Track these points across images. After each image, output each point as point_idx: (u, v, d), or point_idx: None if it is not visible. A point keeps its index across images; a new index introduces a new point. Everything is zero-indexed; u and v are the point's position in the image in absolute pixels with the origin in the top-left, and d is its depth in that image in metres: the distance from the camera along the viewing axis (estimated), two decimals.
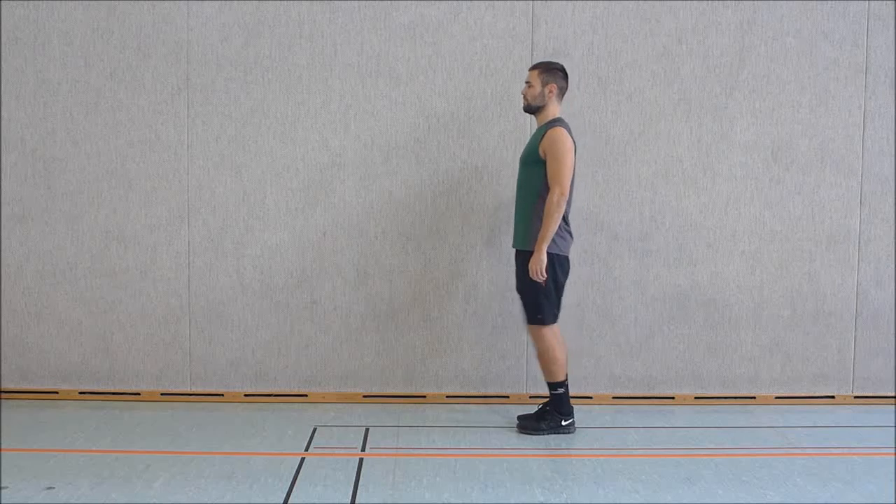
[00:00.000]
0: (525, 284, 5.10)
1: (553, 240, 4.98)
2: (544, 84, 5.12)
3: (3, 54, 5.69)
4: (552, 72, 5.15)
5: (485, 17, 5.72)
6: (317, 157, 5.76)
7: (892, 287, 5.86)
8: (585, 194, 5.78)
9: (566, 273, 5.17)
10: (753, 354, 5.87)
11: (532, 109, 5.18)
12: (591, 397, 5.85)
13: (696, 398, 5.88)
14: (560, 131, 5.01)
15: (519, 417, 5.27)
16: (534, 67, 5.20)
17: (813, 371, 5.89)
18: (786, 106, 5.80)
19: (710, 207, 5.82)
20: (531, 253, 5.01)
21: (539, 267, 4.96)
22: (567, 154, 4.98)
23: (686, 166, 5.80)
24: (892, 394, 5.90)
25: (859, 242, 5.85)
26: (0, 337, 5.80)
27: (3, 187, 5.75)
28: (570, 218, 5.16)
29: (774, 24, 5.76)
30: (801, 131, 5.81)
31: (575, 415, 5.20)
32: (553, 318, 5.13)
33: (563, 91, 5.18)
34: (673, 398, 5.88)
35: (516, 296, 5.72)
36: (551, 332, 5.12)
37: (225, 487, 4.15)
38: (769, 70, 5.77)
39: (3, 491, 4.04)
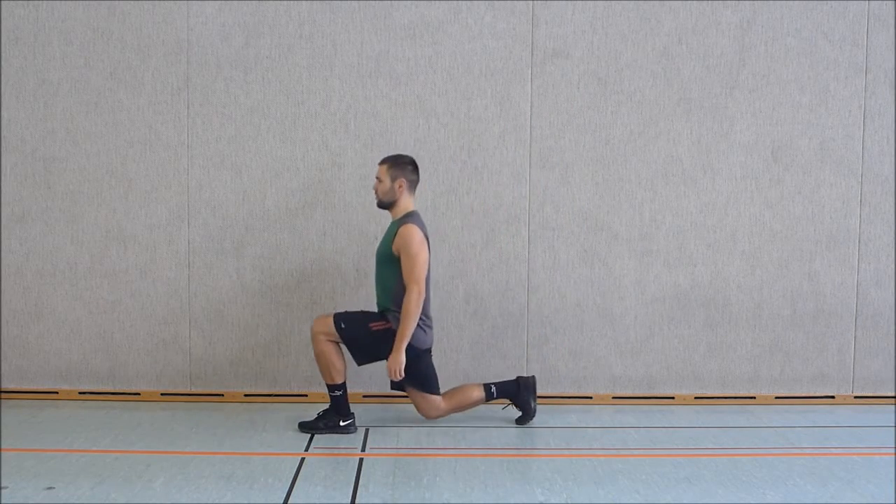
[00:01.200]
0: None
1: (413, 335, 4.98)
2: (393, 179, 5.09)
3: (3, 54, 5.69)
4: (400, 166, 5.12)
5: (485, 17, 5.72)
6: (317, 157, 5.76)
7: (892, 287, 5.86)
8: (585, 194, 5.78)
9: (428, 362, 5.19)
10: (753, 354, 5.87)
11: (384, 205, 5.17)
12: (591, 397, 5.85)
13: (696, 398, 5.88)
14: (411, 228, 4.99)
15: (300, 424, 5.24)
16: (382, 162, 5.16)
17: (813, 371, 5.89)
18: (786, 106, 5.80)
19: (710, 207, 5.82)
20: (391, 329, 5.02)
21: (398, 367, 4.97)
22: (420, 251, 4.97)
23: (686, 166, 5.80)
24: (892, 394, 5.89)
25: (859, 242, 5.85)
26: (0, 337, 5.80)
27: (3, 187, 5.75)
28: (430, 310, 5.15)
29: (774, 24, 5.76)
30: (801, 131, 5.81)
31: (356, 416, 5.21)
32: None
33: (413, 184, 5.16)
34: (673, 398, 5.88)
35: (516, 296, 5.76)
36: (332, 342, 5.06)
37: (225, 487, 4.14)
38: (769, 70, 5.77)
39: (3, 491, 4.04)
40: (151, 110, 5.73)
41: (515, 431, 5.22)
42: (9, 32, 5.69)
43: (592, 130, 5.77)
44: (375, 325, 5.09)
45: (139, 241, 5.77)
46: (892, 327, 5.87)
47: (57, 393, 5.82)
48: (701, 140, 5.80)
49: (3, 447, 4.70)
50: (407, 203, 5.15)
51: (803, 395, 5.90)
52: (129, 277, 5.78)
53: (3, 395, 5.77)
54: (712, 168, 5.81)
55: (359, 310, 5.33)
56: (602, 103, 5.77)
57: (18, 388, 5.83)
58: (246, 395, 5.83)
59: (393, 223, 5.16)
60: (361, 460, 4.62)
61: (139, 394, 5.83)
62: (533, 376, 5.36)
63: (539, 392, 5.63)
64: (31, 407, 5.64)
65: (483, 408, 5.46)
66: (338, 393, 5.10)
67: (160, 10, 5.68)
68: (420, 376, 5.13)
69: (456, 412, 5.30)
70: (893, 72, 5.78)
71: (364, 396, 5.80)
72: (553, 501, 4.02)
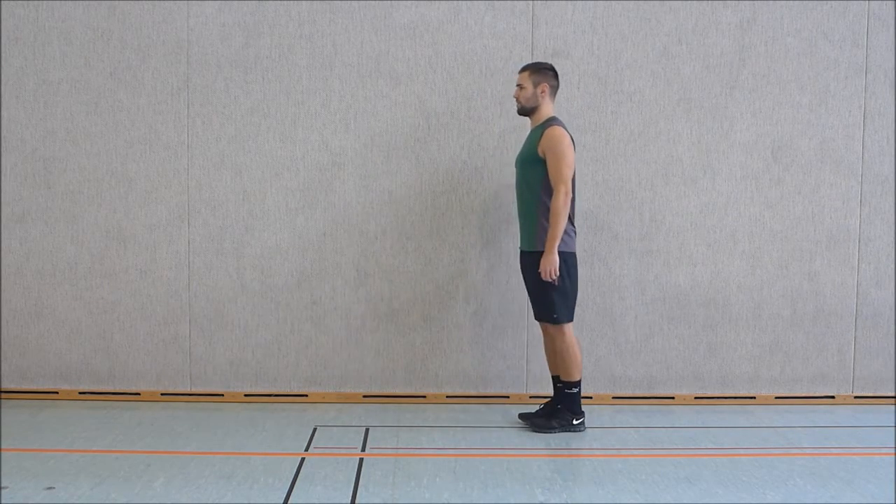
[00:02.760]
0: (538, 285, 5.09)
1: (561, 238, 4.99)
2: (536, 84, 5.12)
3: (3, 54, 5.69)
4: (542, 72, 5.15)
5: (485, 18, 5.72)
6: (317, 157, 5.76)
7: (892, 287, 5.86)
8: (585, 194, 5.78)
9: (576, 269, 5.17)
10: (753, 354, 5.88)
11: (526, 111, 5.18)
12: (591, 397, 5.84)
13: (696, 398, 5.88)
14: (558, 129, 5.02)
15: (523, 416, 5.27)
16: (523, 69, 5.20)
17: (813, 371, 5.89)
18: (786, 106, 5.80)
19: (710, 207, 5.82)
20: (540, 253, 5.01)
21: (552, 267, 4.96)
22: (567, 152, 4.99)
23: (686, 166, 5.80)
24: (892, 394, 5.90)
25: (859, 242, 5.86)
26: (0, 337, 5.80)
27: (3, 187, 5.75)
28: (574, 214, 5.17)
29: (774, 24, 5.76)
30: (801, 131, 5.81)
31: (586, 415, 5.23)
32: (569, 317, 5.14)
33: (554, 90, 5.19)
34: (673, 398, 5.88)
35: (516, 295, 5.73)
36: (571, 331, 5.13)
37: (225, 487, 4.14)
38: (769, 70, 5.77)
39: (3, 491, 4.04)
40: (151, 110, 5.73)
41: (515, 431, 5.22)
42: (9, 32, 5.69)
43: (592, 130, 5.77)
44: (544, 269, 4.96)
45: (139, 241, 5.77)
46: (892, 327, 5.88)
47: (57, 393, 5.82)
48: (701, 140, 5.80)
49: (3, 447, 4.70)
50: (548, 108, 5.15)
51: (803, 395, 5.90)
52: (129, 277, 5.78)
53: (3, 395, 5.77)
54: (712, 168, 5.81)
55: (530, 292, 5.21)
56: (602, 103, 5.77)
57: (18, 388, 5.83)
58: (246, 395, 5.83)
59: (536, 127, 5.13)
60: (361, 460, 4.62)
61: (139, 394, 5.83)
62: (584, 428, 5.19)
63: (539, 392, 5.65)
64: (31, 407, 5.64)
65: (483, 408, 5.45)
66: (574, 390, 5.12)
67: (160, 10, 5.68)
68: (560, 288, 5.01)
69: (562, 354, 5.11)
70: (893, 72, 5.79)
71: (364, 396, 5.81)
72: (553, 501, 4.02)
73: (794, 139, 5.81)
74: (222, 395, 5.83)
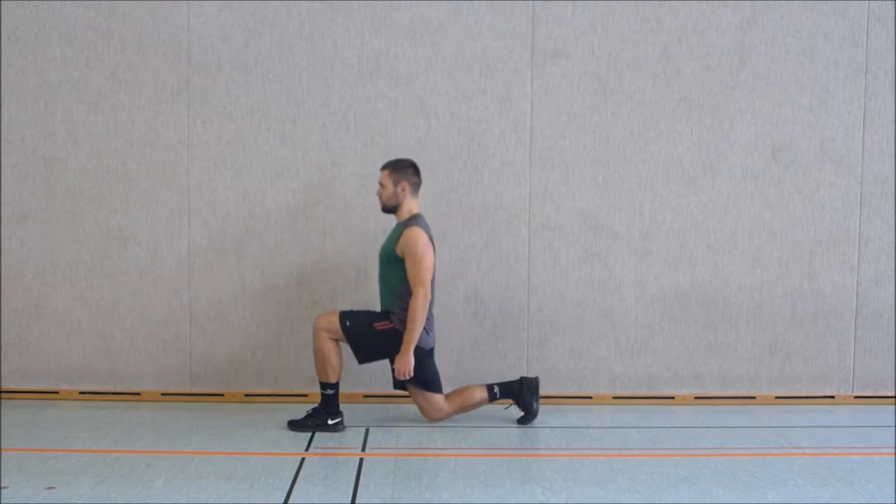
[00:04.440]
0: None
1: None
2: (395, 183, 5.14)
3: (3, 54, 5.69)
4: (402, 170, 5.17)
5: (485, 17, 5.72)
6: (317, 157, 5.76)
7: (892, 287, 5.86)
8: (585, 194, 5.78)
9: (432, 363, 5.23)
10: (753, 354, 5.88)
11: (388, 209, 5.21)
12: (591, 397, 5.85)
13: (696, 398, 5.88)
14: (415, 231, 5.03)
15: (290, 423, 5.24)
16: (383, 168, 5.20)
17: (813, 371, 5.89)
18: (786, 106, 5.80)
19: (710, 207, 5.82)
20: (396, 329, 5.06)
21: (407, 368, 5.03)
22: (425, 253, 5.01)
23: (686, 166, 5.81)
24: (892, 394, 5.90)
25: (859, 242, 5.86)
26: (0, 337, 5.80)
27: (3, 187, 5.75)
28: (434, 311, 5.21)
29: (774, 24, 5.76)
30: (801, 131, 5.81)
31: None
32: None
33: (416, 186, 5.21)
34: (673, 398, 5.88)
35: (516, 295, 5.76)
36: (333, 340, 5.09)
37: (225, 487, 4.14)
38: (769, 70, 5.77)
39: (3, 491, 4.04)
40: (152, 110, 5.73)
41: (515, 431, 5.22)
42: (9, 32, 5.69)
43: (592, 130, 5.78)
44: (380, 325, 5.11)
45: (139, 241, 5.77)
46: (892, 327, 5.88)
47: (57, 393, 5.83)
48: (701, 140, 5.80)
49: (3, 447, 4.70)
50: (411, 206, 5.19)
51: (803, 395, 5.90)
52: (130, 277, 5.78)
53: (4, 395, 5.78)
54: (712, 168, 5.81)
55: (363, 309, 5.35)
56: (602, 103, 5.77)
57: (19, 387, 5.83)
58: (246, 395, 5.83)
59: (398, 225, 5.18)
60: (361, 460, 4.62)
61: (139, 394, 5.83)
62: (536, 377, 5.37)
63: (543, 392, 5.64)
64: (32, 407, 5.64)
65: (484, 408, 5.46)
66: (330, 391, 5.12)
67: (160, 10, 5.69)
68: (423, 377, 5.16)
69: (459, 413, 5.32)
70: (893, 72, 5.79)
71: (364, 396, 5.81)
72: (553, 501, 4.02)
73: (794, 139, 5.81)
74: (222, 395, 5.84)
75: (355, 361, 5.19)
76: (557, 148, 5.78)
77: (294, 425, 5.15)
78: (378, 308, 5.31)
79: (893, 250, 5.85)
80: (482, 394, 5.30)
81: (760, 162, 5.81)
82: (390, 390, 5.76)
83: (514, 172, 5.78)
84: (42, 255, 5.78)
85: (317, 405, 5.18)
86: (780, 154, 5.82)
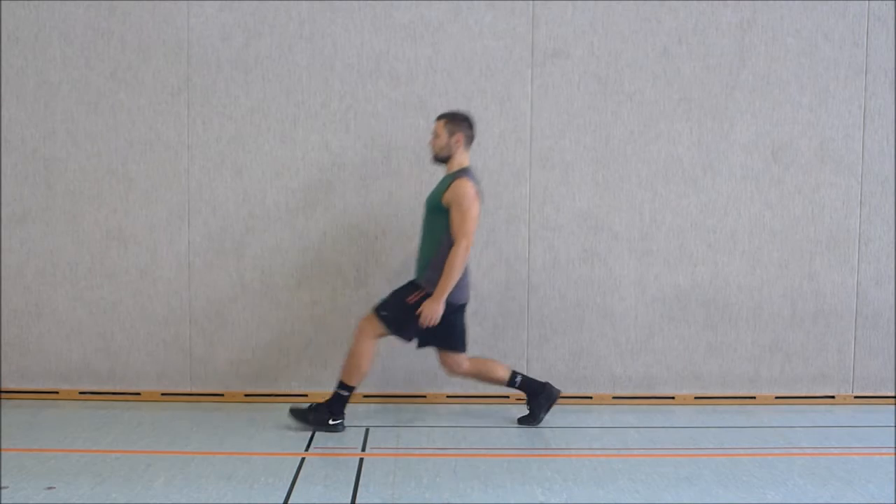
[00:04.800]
0: (402, 312, 5.10)
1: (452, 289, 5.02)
2: (451, 134, 5.12)
3: (3, 54, 5.69)
4: (458, 122, 5.16)
5: (485, 17, 5.72)
6: (317, 157, 5.76)
7: (892, 287, 5.86)
8: (585, 194, 5.78)
9: (462, 318, 5.23)
10: (753, 354, 5.88)
11: (440, 160, 5.19)
12: (591, 397, 5.85)
13: (696, 398, 5.88)
14: (465, 183, 5.02)
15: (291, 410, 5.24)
16: (439, 118, 5.20)
17: (813, 371, 5.89)
18: (786, 106, 5.80)
19: (710, 207, 5.82)
20: (427, 294, 5.03)
21: (435, 315, 4.99)
22: (472, 206, 5.00)
23: (686, 166, 5.81)
24: (892, 394, 5.90)
25: (859, 242, 5.86)
26: (0, 337, 5.80)
27: (3, 187, 5.75)
28: (470, 267, 5.22)
29: (774, 24, 5.76)
30: (801, 131, 5.81)
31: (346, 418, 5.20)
32: (410, 342, 5.22)
33: (469, 139, 5.19)
34: (673, 398, 5.88)
35: (516, 295, 5.76)
36: (374, 342, 5.11)
37: (225, 487, 4.15)
38: (769, 70, 5.78)
39: (3, 491, 4.04)
40: (152, 110, 5.73)
41: (515, 431, 5.22)
42: (9, 32, 5.69)
43: (592, 130, 5.78)
44: (412, 298, 5.07)
45: (139, 241, 5.77)
46: (892, 327, 5.88)
47: (57, 393, 5.83)
48: (701, 140, 5.80)
49: (3, 447, 4.70)
50: (462, 158, 5.15)
51: (803, 395, 5.90)
52: (130, 277, 5.78)
53: (4, 395, 5.77)
54: (712, 168, 5.81)
55: (391, 293, 5.28)
56: (602, 103, 5.77)
57: (19, 388, 5.83)
58: (246, 395, 5.83)
59: (447, 176, 5.14)
60: (361, 460, 4.62)
61: (140, 394, 5.83)
62: (559, 391, 5.34)
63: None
64: (32, 407, 5.65)
65: (483, 408, 5.46)
66: (344, 393, 5.11)
67: (160, 10, 5.69)
68: (449, 332, 5.14)
69: (476, 380, 5.34)
70: (893, 72, 5.79)
71: (364, 396, 5.80)
72: (553, 501, 4.02)
73: (794, 139, 5.81)
74: (222, 395, 5.84)
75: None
76: (557, 148, 5.78)
77: (295, 414, 5.15)
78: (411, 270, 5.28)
79: (893, 250, 5.85)
80: (504, 373, 5.30)
81: (760, 162, 5.81)
82: (390, 390, 5.77)
83: (514, 172, 5.78)
84: (42, 255, 5.77)
85: (321, 402, 5.17)
86: (780, 154, 5.82)
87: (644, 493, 4.13)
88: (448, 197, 5.02)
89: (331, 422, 5.11)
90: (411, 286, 5.16)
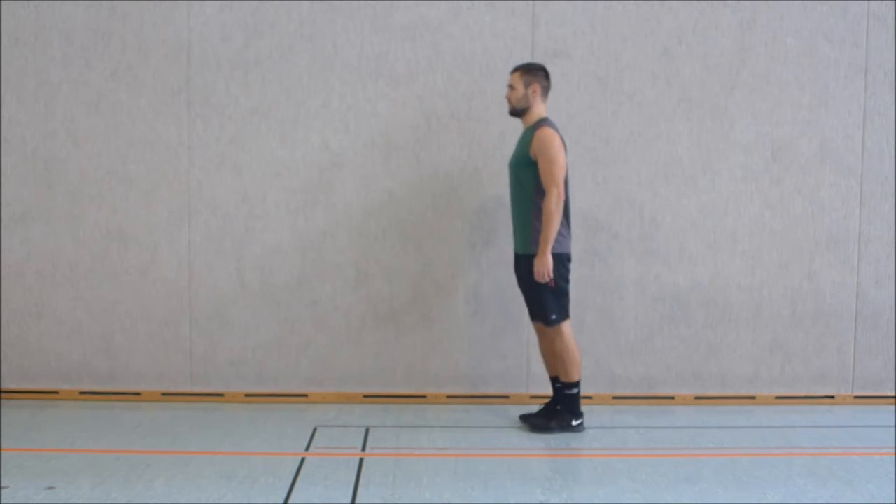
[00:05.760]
0: (532, 288, 5.08)
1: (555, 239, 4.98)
2: (527, 85, 5.09)
3: (3, 54, 5.69)
4: (533, 72, 5.13)
5: (485, 18, 5.72)
6: (317, 157, 5.76)
7: (892, 287, 5.86)
8: (585, 194, 5.78)
9: (568, 270, 5.16)
10: (753, 354, 5.88)
11: (517, 112, 5.15)
12: (591, 397, 5.84)
13: (696, 398, 5.88)
14: (548, 131, 4.99)
15: (523, 417, 5.26)
16: (515, 70, 5.17)
17: (813, 371, 5.89)
18: (786, 106, 5.80)
19: (710, 207, 5.82)
20: (533, 257, 5.00)
21: (546, 269, 4.95)
22: (558, 153, 4.97)
23: (686, 166, 5.81)
24: (892, 394, 5.90)
25: (859, 242, 5.86)
26: (0, 337, 5.80)
27: (3, 187, 5.75)
28: (570, 214, 5.15)
29: (774, 24, 5.76)
30: (801, 131, 5.81)
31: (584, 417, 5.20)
32: (566, 315, 5.12)
33: (546, 90, 5.15)
34: (673, 398, 5.88)
35: (516, 295, 5.72)
36: (569, 331, 5.11)
37: (225, 487, 4.14)
38: (769, 70, 5.78)
39: (3, 491, 4.04)
40: (152, 111, 5.73)
41: (515, 431, 5.22)
42: (9, 33, 5.69)
43: (592, 130, 5.78)
44: (552, 280, 4.96)
45: (140, 242, 5.77)
46: (892, 327, 5.88)
47: (57, 393, 5.83)
48: (701, 140, 5.80)
49: (3, 447, 4.70)
50: (540, 109, 5.12)
51: (803, 395, 5.90)
52: (130, 277, 5.78)
53: (4, 395, 5.78)
54: (712, 168, 5.81)
55: (526, 295, 5.18)
56: (602, 103, 5.77)
57: (19, 387, 5.83)
58: (246, 395, 5.83)
59: (527, 129, 5.10)
60: (361, 460, 4.62)
61: (140, 394, 5.83)
62: (581, 426, 5.16)
63: (539, 392, 5.65)
64: (32, 407, 5.65)
65: (483, 408, 5.46)
66: (575, 391, 5.10)
67: (160, 11, 5.69)
68: (555, 289, 5.01)
69: (562, 355, 5.09)
70: (893, 72, 5.79)
71: (364, 396, 5.81)
72: (553, 501, 4.02)
73: (794, 139, 5.81)
74: (223, 395, 5.84)
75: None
76: None
77: (535, 426, 5.10)
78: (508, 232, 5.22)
79: (893, 250, 5.85)
80: (577, 375, 5.13)
81: (760, 162, 5.81)
82: (390, 390, 5.77)
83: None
84: (42, 255, 5.78)
85: (555, 406, 5.13)
86: (780, 154, 5.82)
87: (644, 493, 4.13)
88: (535, 147, 4.96)
89: (574, 423, 5.11)
90: (528, 273, 5.02)
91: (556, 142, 4.98)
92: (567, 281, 5.14)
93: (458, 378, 5.79)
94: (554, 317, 5.07)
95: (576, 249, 5.78)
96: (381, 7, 5.71)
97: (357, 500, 4.01)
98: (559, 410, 5.16)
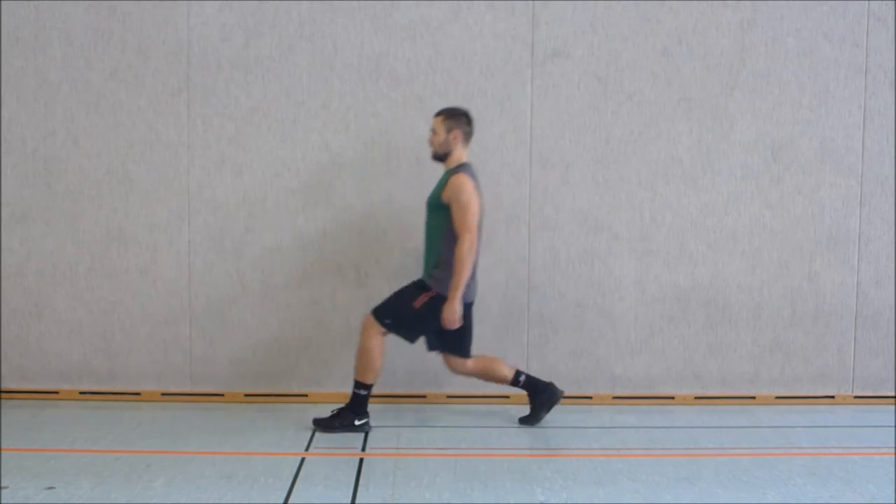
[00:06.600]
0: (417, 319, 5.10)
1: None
2: (448, 130, 5.12)
3: (3, 54, 5.69)
4: (456, 118, 5.15)
5: (485, 18, 5.72)
6: (317, 157, 5.77)
7: (892, 287, 5.86)
8: (585, 194, 5.78)
9: (470, 319, 5.21)
10: (753, 354, 5.88)
11: (439, 157, 5.19)
12: (591, 397, 5.85)
13: (696, 398, 5.88)
14: (462, 177, 5.01)
15: (316, 421, 5.19)
16: (437, 114, 5.19)
17: (813, 371, 5.89)
18: (786, 106, 5.80)
19: (710, 207, 5.82)
20: (436, 294, 5.01)
21: (454, 316, 4.97)
22: (471, 199, 4.99)
23: (686, 166, 5.81)
24: (892, 394, 5.90)
25: (859, 242, 5.86)
26: (0, 337, 5.80)
27: (3, 187, 5.75)
28: (478, 263, 5.18)
29: (774, 24, 5.76)
30: (801, 131, 5.81)
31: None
32: (392, 328, 5.12)
33: (468, 136, 5.19)
34: (673, 398, 5.88)
35: (516, 295, 5.76)
36: (378, 337, 5.06)
37: (225, 487, 4.15)
38: (769, 70, 5.78)
39: (3, 491, 4.04)
40: (152, 110, 5.73)
41: (515, 431, 5.22)
42: (9, 32, 5.69)
43: (592, 130, 5.78)
44: (419, 302, 5.05)
45: (140, 242, 5.77)
46: (892, 327, 5.88)
47: (57, 393, 5.83)
48: (701, 140, 5.80)
49: (3, 447, 4.70)
50: (460, 154, 5.16)
51: (803, 395, 5.90)
52: (130, 277, 5.78)
53: (4, 395, 5.78)
54: (712, 168, 5.81)
55: (393, 293, 5.24)
56: (602, 103, 5.77)
57: (19, 388, 5.83)
58: (246, 395, 5.83)
59: (446, 172, 5.14)
60: (361, 460, 4.62)
61: (140, 394, 5.83)
62: (562, 392, 5.33)
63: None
64: (32, 407, 5.65)
65: (483, 408, 5.46)
66: (363, 392, 5.10)
67: (160, 11, 5.69)
68: (458, 332, 5.10)
69: (479, 378, 5.32)
70: (893, 72, 5.79)
71: None
72: (553, 501, 4.02)
73: (794, 139, 5.81)
74: (223, 395, 5.84)
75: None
76: (557, 148, 5.78)
77: (320, 424, 5.12)
78: (420, 271, 5.25)
79: (893, 250, 5.85)
80: (508, 372, 5.29)
81: (760, 162, 5.81)
82: (390, 390, 5.76)
83: (514, 172, 5.78)
84: (42, 255, 5.78)
85: (343, 405, 5.16)
86: (780, 154, 5.82)
87: (644, 493, 4.13)
88: (447, 193, 5.02)
89: (357, 422, 5.10)
90: (415, 287, 5.14)
91: (469, 188, 5.00)
92: (470, 325, 5.20)
93: (457, 378, 5.79)
94: (388, 321, 5.04)
95: (576, 249, 5.80)
96: (381, 7, 5.71)
97: (357, 500, 4.01)
98: (343, 409, 5.13)
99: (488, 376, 5.33)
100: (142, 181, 5.75)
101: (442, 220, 5.05)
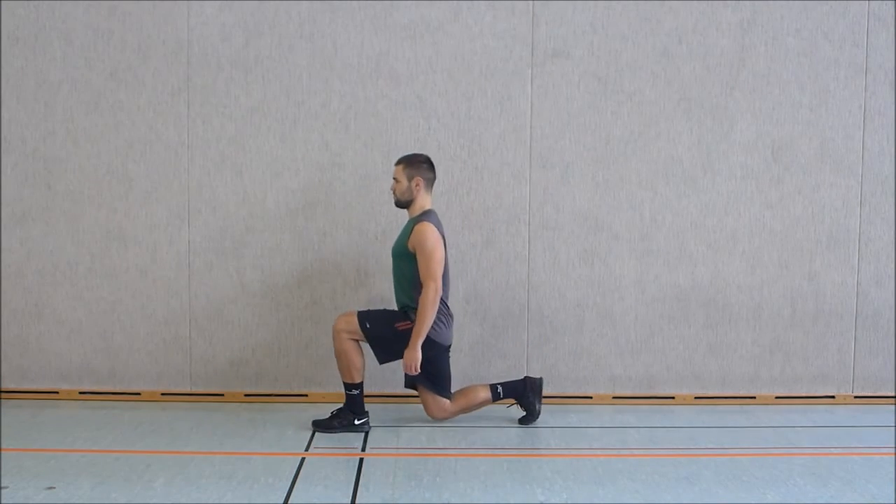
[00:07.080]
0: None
1: (433, 328, 5.01)
2: (410, 178, 5.13)
3: (3, 54, 5.69)
4: (416, 165, 5.16)
5: (485, 17, 5.72)
6: (317, 157, 5.76)
7: (892, 287, 5.86)
8: (585, 194, 5.78)
9: (447, 358, 5.22)
10: (753, 354, 5.88)
11: (402, 204, 5.20)
12: (591, 397, 5.85)
13: (696, 398, 5.88)
14: (426, 226, 5.03)
15: (316, 423, 5.21)
16: (398, 163, 5.21)
17: (813, 371, 5.89)
18: (786, 106, 5.80)
19: (710, 207, 5.82)
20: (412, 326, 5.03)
21: (414, 363, 4.99)
22: (436, 248, 5.00)
23: (686, 166, 5.81)
24: (892, 394, 5.90)
25: (859, 242, 5.86)
26: (0, 337, 5.80)
27: (3, 187, 5.75)
28: (449, 305, 5.20)
29: (774, 24, 5.76)
30: (801, 131, 5.81)
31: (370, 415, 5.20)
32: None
33: (430, 182, 5.20)
34: (673, 398, 5.88)
35: (516, 295, 5.77)
36: (351, 343, 5.06)
37: (225, 487, 4.14)
38: (769, 70, 5.77)
39: (3, 491, 4.04)
40: (152, 110, 5.73)
41: (516, 431, 5.22)
42: (9, 32, 5.69)
43: (592, 130, 5.78)
44: (401, 325, 5.09)
45: (139, 241, 5.77)
46: (892, 327, 5.88)
47: (57, 393, 5.83)
48: (701, 140, 5.80)
49: (3, 447, 4.70)
50: (424, 201, 5.17)
51: (803, 395, 5.90)
52: (130, 277, 5.78)
53: (3, 395, 5.78)
54: (712, 168, 5.81)
55: (381, 308, 5.35)
56: (602, 103, 5.77)
57: (19, 388, 5.83)
58: (246, 395, 5.83)
59: (410, 220, 5.17)
60: (361, 460, 4.62)
61: (139, 394, 5.83)
62: (540, 378, 5.36)
63: (544, 392, 5.63)
64: (32, 407, 5.64)
65: (485, 408, 5.45)
66: (354, 392, 5.11)
67: (160, 10, 5.69)
68: (434, 374, 5.14)
69: (463, 413, 5.31)
70: (893, 72, 5.78)
71: (364, 396, 5.79)
72: (553, 501, 4.02)
73: (794, 139, 5.81)
74: (222, 395, 5.84)
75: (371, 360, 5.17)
76: (557, 148, 5.78)
77: (319, 426, 5.12)
78: (393, 305, 5.29)
79: (893, 250, 5.85)
80: (486, 394, 5.30)
81: (760, 162, 5.81)
82: (390, 390, 5.76)
83: (514, 172, 5.78)
84: (42, 255, 5.78)
85: (341, 406, 5.17)
86: (780, 154, 5.82)
87: (644, 493, 4.13)
88: (412, 241, 5.04)
89: (356, 422, 5.11)
90: (402, 313, 5.16)
91: (434, 236, 5.02)
92: (446, 369, 5.21)
93: (457, 378, 5.78)
94: (369, 327, 5.05)
95: (576, 249, 5.79)
96: (381, 7, 5.71)
97: (357, 500, 4.01)
98: (341, 409, 5.15)
99: (471, 406, 5.30)
100: (142, 181, 5.75)
101: (410, 268, 5.07)
